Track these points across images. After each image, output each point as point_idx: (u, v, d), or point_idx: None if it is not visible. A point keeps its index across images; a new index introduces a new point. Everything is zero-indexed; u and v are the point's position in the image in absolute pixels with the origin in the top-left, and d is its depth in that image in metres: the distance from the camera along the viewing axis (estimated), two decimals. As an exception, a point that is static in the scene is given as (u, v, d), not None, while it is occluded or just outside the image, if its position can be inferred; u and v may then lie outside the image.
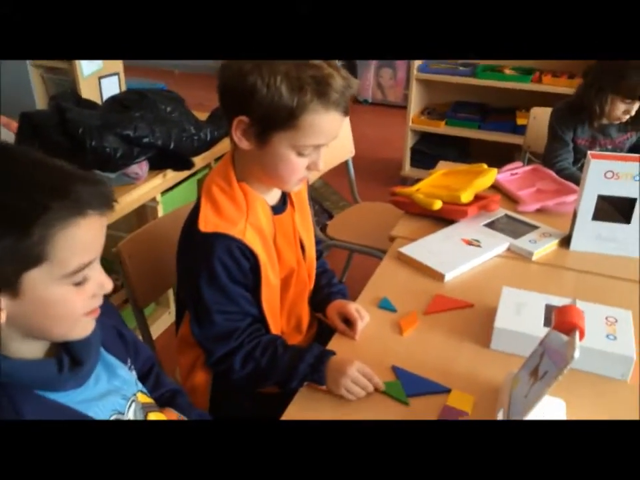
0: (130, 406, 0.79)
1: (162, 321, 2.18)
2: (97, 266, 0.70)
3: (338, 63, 0.99)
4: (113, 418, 0.75)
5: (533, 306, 1.13)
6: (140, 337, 1.19)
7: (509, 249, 1.42)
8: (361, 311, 1.16)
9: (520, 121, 3.13)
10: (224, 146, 2.11)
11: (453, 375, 1.02)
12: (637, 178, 1.32)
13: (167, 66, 5.44)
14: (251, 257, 1.04)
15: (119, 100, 1.93)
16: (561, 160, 1.93)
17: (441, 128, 3.32)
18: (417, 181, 1.73)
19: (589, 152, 1.37)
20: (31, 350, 0.70)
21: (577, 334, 0.83)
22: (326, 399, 0.98)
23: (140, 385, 0.86)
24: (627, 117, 1.85)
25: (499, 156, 2.80)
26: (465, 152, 3.43)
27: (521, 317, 1.10)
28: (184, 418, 0.91)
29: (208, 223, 1.01)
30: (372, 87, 5.01)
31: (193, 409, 0.97)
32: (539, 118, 2.24)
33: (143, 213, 2.01)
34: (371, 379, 0.98)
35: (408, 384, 1.00)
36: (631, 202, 1.35)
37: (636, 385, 1.01)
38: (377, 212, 2.21)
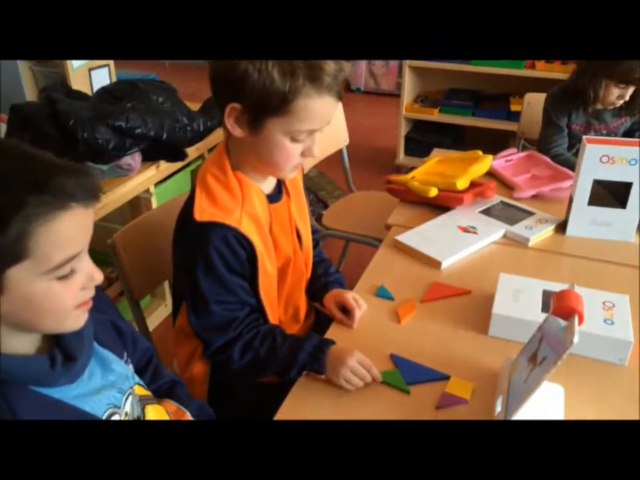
0: (127, 399, 0.78)
1: (158, 313, 2.18)
2: (85, 257, 0.68)
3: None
4: (109, 411, 0.74)
5: (530, 292, 1.13)
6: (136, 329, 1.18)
7: (505, 236, 1.42)
8: (359, 299, 1.16)
9: (514, 108, 3.13)
10: (217, 136, 2.09)
11: (452, 362, 1.03)
12: (633, 162, 1.32)
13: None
14: (247, 245, 1.03)
15: (110, 90, 1.91)
16: (556, 146, 1.93)
17: (435, 115, 3.32)
18: (412, 169, 1.71)
19: (584, 137, 1.37)
20: (23, 345, 0.69)
21: (576, 319, 0.83)
22: (324, 389, 0.98)
23: (137, 378, 0.85)
24: (621, 101, 1.85)
25: (494, 143, 2.81)
26: (459, 139, 3.43)
27: (518, 303, 1.10)
28: (183, 409, 0.91)
29: (203, 212, 1.01)
30: (365, 75, 4.99)
31: (192, 399, 0.97)
32: (533, 104, 2.24)
33: (137, 204, 2.00)
34: (369, 370, 0.98)
35: (407, 372, 1.00)
36: (626, 186, 1.35)
37: (634, 369, 1.01)
38: (372, 200, 2.20)
